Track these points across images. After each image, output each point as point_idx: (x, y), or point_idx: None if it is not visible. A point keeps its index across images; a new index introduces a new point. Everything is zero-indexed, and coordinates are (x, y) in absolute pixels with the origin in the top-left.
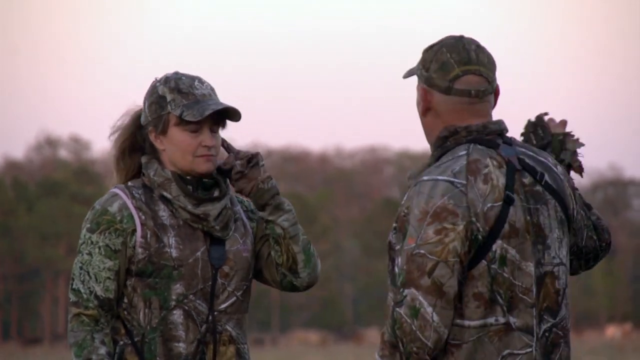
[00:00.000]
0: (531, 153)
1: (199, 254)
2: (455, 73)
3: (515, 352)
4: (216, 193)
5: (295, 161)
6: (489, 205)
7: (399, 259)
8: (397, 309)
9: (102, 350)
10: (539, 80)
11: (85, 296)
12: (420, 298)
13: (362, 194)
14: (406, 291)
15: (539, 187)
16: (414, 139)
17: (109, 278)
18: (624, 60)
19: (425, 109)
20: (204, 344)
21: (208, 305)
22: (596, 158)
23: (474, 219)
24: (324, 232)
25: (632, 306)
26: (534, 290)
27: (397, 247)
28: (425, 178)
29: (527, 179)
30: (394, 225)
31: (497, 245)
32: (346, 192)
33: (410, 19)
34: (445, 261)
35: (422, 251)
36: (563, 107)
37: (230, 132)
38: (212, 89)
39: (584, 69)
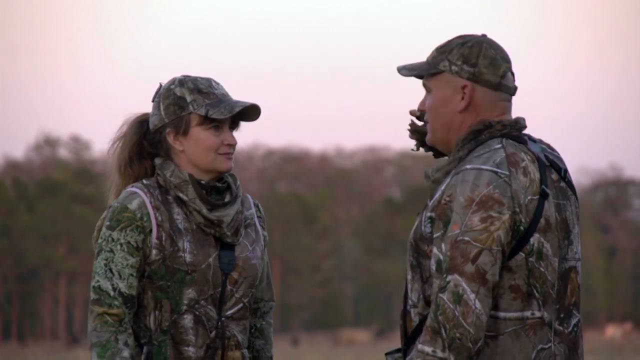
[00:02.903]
0: (551, 150)
1: (211, 259)
2: (503, 69)
3: (544, 346)
4: (227, 197)
5: (295, 161)
6: (529, 197)
7: (443, 245)
8: (440, 294)
9: (126, 353)
10: (539, 80)
11: (111, 294)
12: (464, 284)
13: (363, 194)
14: (449, 277)
15: (563, 183)
16: None
17: (132, 275)
18: (625, 59)
19: (467, 105)
20: (213, 349)
21: (217, 310)
22: (596, 158)
23: (517, 210)
24: (324, 231)
25: (632, 306)
26: (557, 285)
27: (436, 234)
28: (468, 167)
29: (554, 175)
30: (429, 215)
31: (535, 239)
32: (347, 192)
33: (410, 20)
34: (490, 249)
35: (466, 238)
36: (563, 106)
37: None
38: (225, 90)
39: (583, 69)
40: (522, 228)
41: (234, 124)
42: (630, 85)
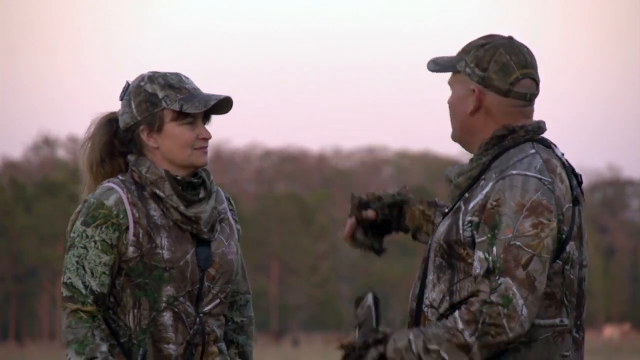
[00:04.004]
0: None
1: (188, 256)
2: (515, 76)
3: (565, 353)
4: (202, 193)
5: (293, 161)
6: (567, 205)
7: (494, 249)
8: (491, 295)
9: (104, 348)
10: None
11: (83, 292)
12: (514, 289)
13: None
14: (501, 279)
15: (579, 190)
16: (412, 139)
17: (104, 273)
18: (625, 59)
19: (476, 108)
20: (193, 345)
21: (195, 307)
22: (594, 158)
23: (561, 217)
24: (322, 232)
25: (630, 306)
26: (577, 292)
27: (481, 238)
28: (514, 172)
29: (574, 182)
30: (469, 219)
31: (570, 247)
32: (344, 193)
33: (410, 20)
34: (540, 256)
35: (518, 243)
36: (561, 107)
37: (229, 133)
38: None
39: (583, 69)
40: (563, 236)
41: (206, 117)
42: (629, 86)
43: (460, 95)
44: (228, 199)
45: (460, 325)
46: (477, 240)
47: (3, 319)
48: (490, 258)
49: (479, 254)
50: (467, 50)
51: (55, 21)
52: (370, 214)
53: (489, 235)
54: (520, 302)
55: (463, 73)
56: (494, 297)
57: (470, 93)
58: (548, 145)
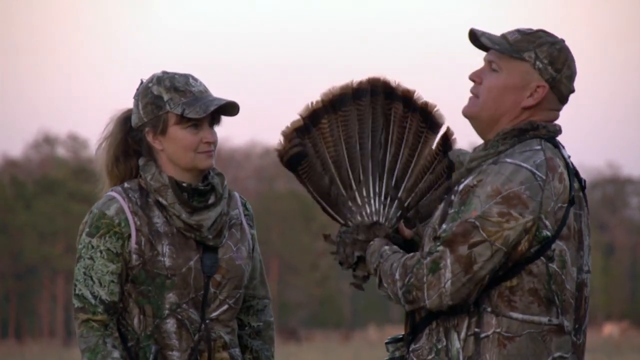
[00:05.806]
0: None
1: (191, 263)
2: (572, 86)
3: (564, 355)
4: (212, 199)
5: None
6: (559, 205)
7: (452, 223)
8: (425, 258)
9: (116, 354)
10: None
11: (92, 302)
12: (448, 262)
13: None
14: (440, 247)
15: (581, 193)
16: None
17: (112, 281)
18: (623, 58)
19: (535, 104)
20: (198, 352)
21: (200, 313)
22: (594, 156)
23: (542, 216)
24: (322, 230)
25: (629, 304)
26: (576, 295)
27: (450, 211)
28: (508, 160)
29: (576, 184)
30: (454, 199)
31: (557, 246)
32: None
33: (408, 20)
34: (492, 243)
35: (477, 223)
36: None
37: (230, 131)
38: (205, 86)
39: (583, 68)
40: (546, 234)
41: (214, 119)
42: (629, 83)
43: (515, 83)
44: (244, 205)
45: (396, 275)
46: (449, 212)
47: (3, 316)
48: (446, 228)
49: (444, 225)
50: (534, 41)
51: (55, 21)
52: (407, 232)
53: (456, 209)
54: (448, 275)
55: (531, 65)
56: (426, 260)
57: (530, 86)
58: (556, 145)
